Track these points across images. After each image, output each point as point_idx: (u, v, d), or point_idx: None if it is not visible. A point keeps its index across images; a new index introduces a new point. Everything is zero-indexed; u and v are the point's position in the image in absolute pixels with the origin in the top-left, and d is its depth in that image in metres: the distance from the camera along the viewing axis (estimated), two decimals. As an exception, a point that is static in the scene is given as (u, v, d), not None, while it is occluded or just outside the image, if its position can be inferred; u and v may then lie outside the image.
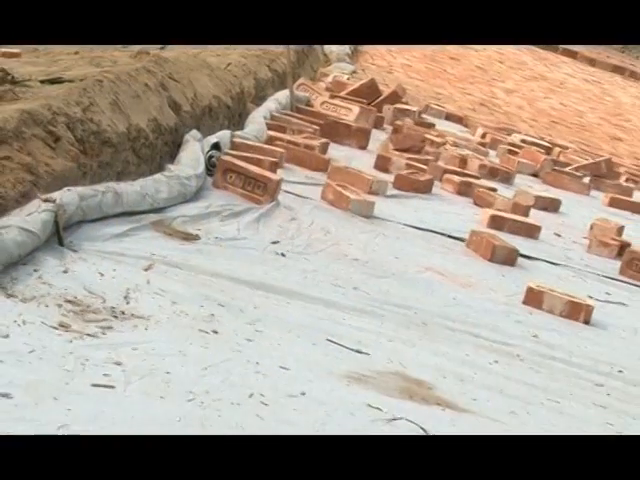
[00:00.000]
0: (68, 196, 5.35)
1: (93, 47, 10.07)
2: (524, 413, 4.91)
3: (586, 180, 10.86)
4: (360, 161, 8.91)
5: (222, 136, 7.72)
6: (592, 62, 21.60)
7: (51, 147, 5.83)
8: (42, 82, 6.82)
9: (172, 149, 7.16)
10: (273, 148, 8.11)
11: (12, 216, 4.94)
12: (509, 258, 7.24)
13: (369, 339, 5.19)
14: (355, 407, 4.39)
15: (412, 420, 4.38)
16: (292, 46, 12.47)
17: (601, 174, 11.24)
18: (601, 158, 11.99)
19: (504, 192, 9.16)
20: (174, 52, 9.64)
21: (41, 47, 9.72)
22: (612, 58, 23.20)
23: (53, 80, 6.90)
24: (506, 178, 9.99)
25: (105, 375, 4.00)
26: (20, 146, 5.57)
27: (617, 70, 21.57)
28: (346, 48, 15.15)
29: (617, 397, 5.42)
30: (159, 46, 10.20)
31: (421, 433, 4.29)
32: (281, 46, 11.74)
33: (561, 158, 11.73)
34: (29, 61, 8.06)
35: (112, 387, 3.93)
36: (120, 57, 8.63)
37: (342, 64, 14.14)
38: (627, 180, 11.66)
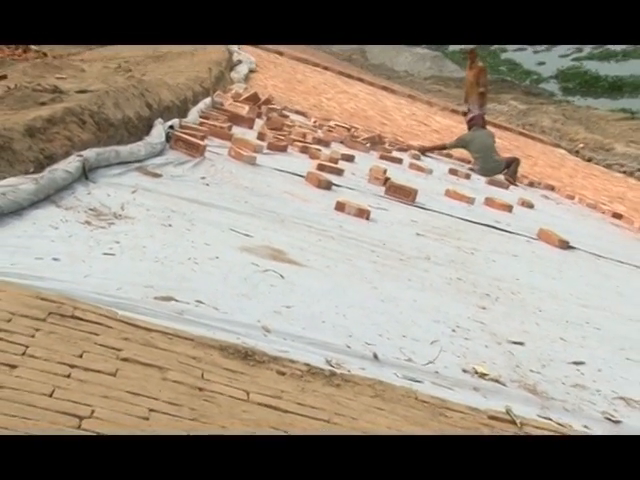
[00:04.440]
0: (90, 153, 5.27)
1: (104, 73, 9.90)
2: (334, 266, 4.95)
3: (368, 145, 10.88)
4: (249, 135, 8.79)
5: (175, 122, 7.59)
6: (372, 84, 21.61)
7: (81, 127, 5.71)
8: (76, 92, 6.68)
9: (148, 129, 7.02)
10: (202, 128, 8.01)
11: (60, 164, 4.88)
12: (327, 186, 7.25)
13: (253, 229, 5.18)
14: (245, 264, 4.39)
15: (276, 270, 4.40)
16: (214, 71, 12.31)
17: (375, 142, 11.27)
18: (375, 133, 12.03)
19: (325, 151, 9.13)
20: (148, 76, 9.47)
21: (78, 73, 9.52)
22: (382, 82, 23.29)
23: (82, 91, 6.74)
24: (326, 144, 9.94)
25: (110, 248, 3.96)
26: (64, 126, 5.47)
27: (385, 89, 21.62)
28: (242, 75, 14.89)
29: (381, 257, 5.48)
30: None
31: (279, 278, 4.33)
32: (207, 72, 11.59)
33: (355, 134, 11.72)
34: (68, 81, 7.87)
35: (114, 255, 3.91)
36: (119, 79, 8.48)
37: (240, 84, 13.87)
38: (389, 145, 11.68)
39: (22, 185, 4.26)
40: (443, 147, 12.58)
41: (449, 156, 12.51)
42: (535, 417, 3.50)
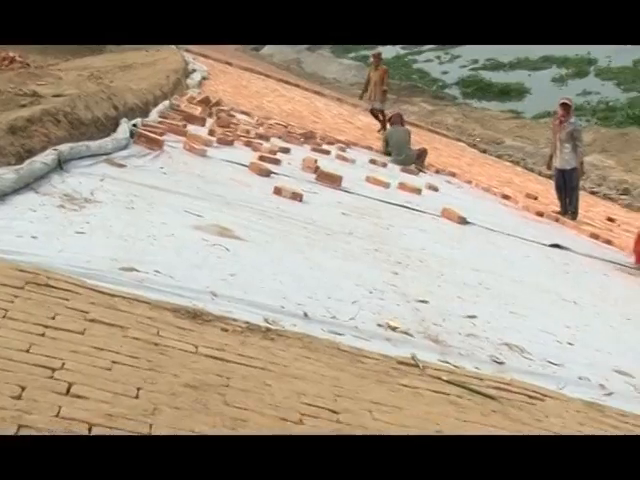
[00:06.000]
0: (64, 147, 5.14)
1: (78, 80, 9.59)
2: (272, 240, 4.89)
3: (302, 140, 10.79)
4: (201, 131, 8.67)
5: (138, 121, 7.43)
6: (306, 89, 21.47)
7: (56, 125, 5.57)
8: (53, 96, 6.51)
9: (114, 127, 6.86)
10: (161, 126, 7.85)
11: (38, 157, 4.75)
12: (267, 174, 7.16)
13: (204, 210, 5.10)
14: (196, 240, 4.34)
15: (222, 245, 4.34)
16: (172, 78, 12.06)
17: (308, 137, 11.16)
18: (308, 130, 11.92)
19: (266, 145, 9.06)
20: (115, 83, 9.26)
21: (55, 80, 9.21)
22: (315, 87, 23.17)
23: (57, 95, 6.59)
24: (266, 139, 9.84)
25: (81, 227, 3.89)
26: (42, 125, 5.33)
27: (317, 93, 21.55)
28: (196, 82, 14.55)
29: (312, 233, 5.46)
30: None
31: (225, 251, 4.27)
32: (166, 79, 11.36)
33: (291, 130, 11.59)
34: (47, 87, 7.66)
35: (84, 233, 3.83)
36: (90, 85, 8.27)
37: (194, 89, 13.57)
38: (320, 139, 11.56)
39: (5, 175, 4.15)
40: (387, 153, 11.96)
41: (369, 148, 12.52)
42: (436, 361, 3.54)
